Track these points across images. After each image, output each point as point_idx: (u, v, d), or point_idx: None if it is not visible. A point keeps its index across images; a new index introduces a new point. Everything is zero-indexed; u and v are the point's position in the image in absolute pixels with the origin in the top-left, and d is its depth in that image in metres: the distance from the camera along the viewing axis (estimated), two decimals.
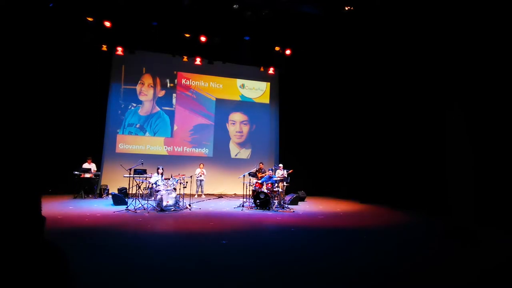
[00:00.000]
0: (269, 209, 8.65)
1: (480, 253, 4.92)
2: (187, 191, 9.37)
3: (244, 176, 9.36)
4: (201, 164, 11.57)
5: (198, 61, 12.49)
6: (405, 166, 10.02)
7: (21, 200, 1.18)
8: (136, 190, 8.86)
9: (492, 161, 7.40)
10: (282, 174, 10.06)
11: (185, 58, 12.41)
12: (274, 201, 9.16)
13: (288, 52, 12.66)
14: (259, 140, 13.59)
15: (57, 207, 7.91)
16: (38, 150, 10.57)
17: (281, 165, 10.57)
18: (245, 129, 13.50)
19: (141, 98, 12.35)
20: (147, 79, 12.47)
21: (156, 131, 12.38)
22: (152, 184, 8.66)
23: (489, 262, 4.45)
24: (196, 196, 11.20)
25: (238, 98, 13.51)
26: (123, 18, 10.69)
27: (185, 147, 12.66)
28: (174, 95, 12.70)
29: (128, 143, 12.03)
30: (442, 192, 8.59)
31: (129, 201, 8.27)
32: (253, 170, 10.25)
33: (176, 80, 12.78)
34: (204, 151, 12.88)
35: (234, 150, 13.31)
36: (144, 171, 8.87)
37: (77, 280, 1.28)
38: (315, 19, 11.04)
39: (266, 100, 13.87)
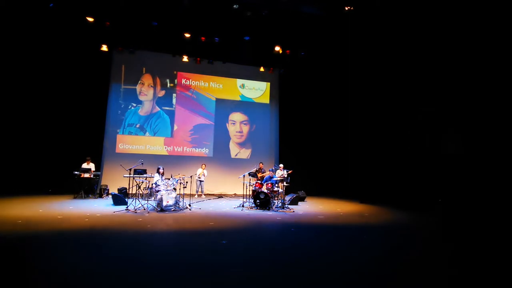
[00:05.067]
0: (269, 209, 8.65)
1: (479, 254, 4.92)
2: (187, 191, 9.37)
3: (244, 176, 9.36)
4: (203, 165, 11.57)
5: (198, 61, 12.50)
6: (405, 166, 10.03)
7: None
8: (136, 190, 8.86)
9: (492, 162, 7.40)
10: (282, 174, 10.05)
11: (185, 58, 12.42)
12: (274, 201, 9.16)
13: (288, 52, 12.66)
14: (259, 140, 13.59)
15: (57, 207, 7.91)
16: (39, 150, 10.59)
17: (281, 165, 10.57)
18: (245, 129, 13.50)
19: (141, 98, 12.34)
20: (147, 79, 12.47)
21: (156, 131, 12.38)
22: (152, 184, 8.66)
23: (488, 262, 4.45)
24: (196, 196, 11.20)
25: (238, 98, 13.51)
26: (123, 18, 10.69)
27: (185, 147, 12.66)
28: (174, 95, 12.70)
29: (128, 143, 12.03)
30: (442, 192, 8.59)
31: (129, 201, 8.27)
32: (253, 170, 10.25)
33: (176, 80, 12.78)
34: (204, 151, 12.88)
35: (234, 150, 13.31)
36: (144, 171, 8.87)
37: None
38: (315, 19, 11.05)
39: (266, 100, 13.87)
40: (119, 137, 11.96)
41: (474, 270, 4.11)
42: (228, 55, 12.71)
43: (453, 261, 4.50)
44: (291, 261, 4.27)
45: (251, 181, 9.59)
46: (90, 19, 10.50)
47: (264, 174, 10.33)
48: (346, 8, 10.06)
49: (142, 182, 9.03)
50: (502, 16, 7.18)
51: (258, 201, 8.77)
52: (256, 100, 13.73)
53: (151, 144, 12.28)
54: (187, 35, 11.48)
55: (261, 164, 11.29)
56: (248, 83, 13.68)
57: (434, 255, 4.78)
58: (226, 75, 13.35)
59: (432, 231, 6.75)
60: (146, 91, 12.43)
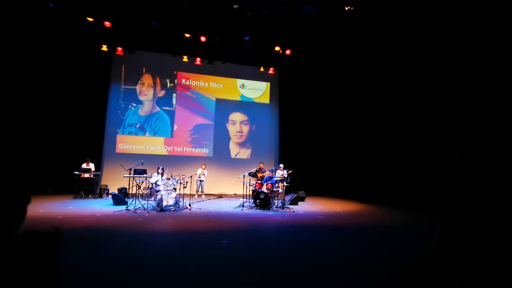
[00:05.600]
0: (269, 209, 8.65)
1: (479, 254, 4.92)
2: (187, 191, 9.37)
3: (244, 176, 9.36)
4: (203, 165, 11.57)
5: (198, 61, 12.51)
6: (405, 166, 10.02)
7: None
8: (136, 190, 8.86)
9: (493, 162, 7.40)
10: (282, 174, 10.05)
11: (185, 58, 12.41)
12: (274, 201, 9.16)
13: (288, 52, 12.66)
14: (259, 140, 13.58)
15: (57, 207, 7.91)
16: (39, 150, 10.57)
17: (281, 165, 10.57)
18: (245, 129, 13.49)
19: (141, 98, 12.34)
20: (147, 79, 12.46)
21: (156, 131, 12.37)
22: (152, 184, 8.66)
23: (488, 263, 4.45)
24: (196, 196, 11.20)
25: (238, 98, 13.51)
26: (123, 18, 10.69)
27: (185, 147, 12.66)
28: (174, 95, 12.69)
29: (128, 143, 12.02)
30: (443, 192, 8.59)
31: (129, 201, 8.27)
32: (253, 170, 10.26)
33: (176, 80, 12.77)
34: (204, 151, 12.87)
35: (234, 150, 13.31)
36: (144, 171, 8.87)
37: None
38: (315, 19, 11.04)
39: (266, 100, 13.87)
40: (119, 137, 11.95)
41: (475, 270, 4.11)
42: (228, 55, 12.70)
43: (453, 261, 4.49)
44: (291, 261, 4.27)
45: (251, 181, 9.58)
46: (90, 19, 10.50)
47: (264, 174, 10.32)
48: (346, 8, 10.06)
49: (142, 182, 9.02)
50: (502, 15, 7.18)
51: (258, 201, 8.76)
52: (256, 100, 13.73)
53: (151, 144, 12.27)
54: (187, 35, 11.48)
55: (261, 164, 11.28)
56: (248, 83, 13.68)
57: (435, 255, 4.77)
58: (226, 75, 13.34)
59: (432, 231, 6.75)
60: (146, 91, 12.42)
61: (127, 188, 8.83)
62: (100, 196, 10.37)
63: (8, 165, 10.13)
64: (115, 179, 10.73)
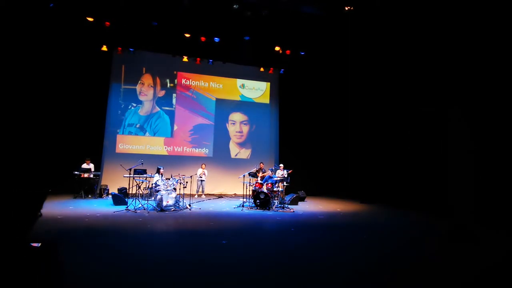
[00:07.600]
0: (269, 209, 8.65)
1: (479, 254, 4.92)
2: (187, 191, 9.37)
3: (244, 176, 9.36)
4: (203, 165, 11.58)
5: (198, 61, 12.51)
6: (405, 166, 10.03)
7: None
8: (136, 190, 8.86)
9: (493, 161, 7.40)
10: (282, 174, 10.06)
11: (185, 58, 12.42)
12: (274, 201, 9.16)
13: (288, 52, 12.66)
14: (259, 140, 13.58)
15: (57, 207, 7.90)
16: (39, 150, 10.57)
17: (281, 165, 10.57)
18: (245, 129, 13.49)
19: (141, 98, 12.34)
20: (147, 79, 12.46)
21: (156, 131, 12.37)
22: (152, 184, 8.66)
23: (489, 263, 4.45)
24: (196, 196, 11.20)
25: (238, 98, 13.51)
26: (123, 18, 10.69)
27: (185, 147, 12.66)
28: (174, 95, 12.69)
29: (128, 143, 12.02)
30: (443, 192, 8.59)
31: (129, 201, 8.27)
32: (253, 170, 10.25)
33: (176, 80, 12.77)
34: (204, 151, 12.87)
35: (234, 150, 13.31)
36: (144, 171, 8.87)
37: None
38: (315, 19, 11.06)
39: (266, 100, 13.87)
40: (119, 137, 11.95)
41: (476, 270, 4.11)
42: (228, 55, 12.70)
43: (454, 261, 4.49)
44: (291, 261, 4.27)
45: (251, 181, 9.59)
46: (90, 19, 10.50)
47: (264, 174, 10.33)
48: (346, 8, 10.07)
49: (142, 182, 9.03)
50: (502, 15, 7.18)
51: (258, 201, 8.76)
52: (256, 100, 13.73)
53: (151, 144, 12.27)
54: (187, 35, 11.48)
55: (261, 164, 11.28)
56: (248, 83, 13.68)
57: (435, 255, 4.77)
58: (226, 75, 13.34)
59: (432, 230, 6.75)
60: (146, 91, 12.42)
61: (127, 188, 8.84)
62: (100, 196, 10.37)
63: (7, 165, 10.13)
64: (115, 179, 10.73)
